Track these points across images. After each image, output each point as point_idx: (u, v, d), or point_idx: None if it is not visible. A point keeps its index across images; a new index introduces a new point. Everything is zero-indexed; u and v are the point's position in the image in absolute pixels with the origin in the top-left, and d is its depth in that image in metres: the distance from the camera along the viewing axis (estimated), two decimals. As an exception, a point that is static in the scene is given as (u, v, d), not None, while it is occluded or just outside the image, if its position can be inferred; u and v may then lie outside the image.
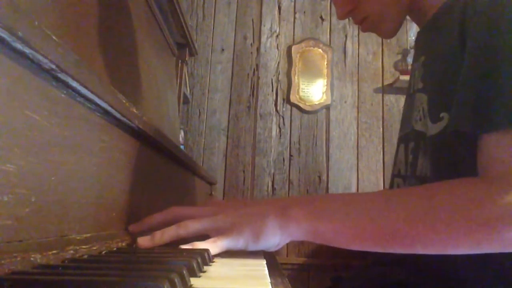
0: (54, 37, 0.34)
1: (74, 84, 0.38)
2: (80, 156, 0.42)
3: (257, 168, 2.16)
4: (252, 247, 0.51)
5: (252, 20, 2.31)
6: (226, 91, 2.24)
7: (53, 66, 0.34)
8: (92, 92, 0.41)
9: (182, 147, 1.82)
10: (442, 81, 0.59)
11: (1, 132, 0.30)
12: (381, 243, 0.50)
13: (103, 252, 0.44)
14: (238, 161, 2.17)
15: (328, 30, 2.33)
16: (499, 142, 0.47)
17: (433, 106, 0.60)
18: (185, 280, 0.31)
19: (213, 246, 0.49)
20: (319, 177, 2.18)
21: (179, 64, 1.61)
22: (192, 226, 0.52)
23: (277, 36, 2.30)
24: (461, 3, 0.56)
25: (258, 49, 2.28)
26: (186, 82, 1.95)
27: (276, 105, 2.23)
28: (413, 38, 2.00)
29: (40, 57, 0.33)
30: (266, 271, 0.40)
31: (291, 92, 2.23)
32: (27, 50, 0.31)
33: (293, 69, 2.25)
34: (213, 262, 0.46)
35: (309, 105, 2.23)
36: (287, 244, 0.53)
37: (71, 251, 0.39)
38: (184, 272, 0.31)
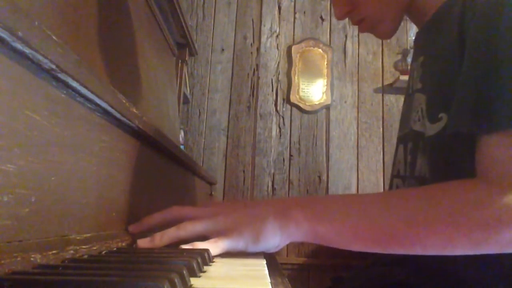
0: (54, 37, 0.34)
1: (74, 84, 0.38)
2: (80, 156, 0.42)
3: (257, 168, 2.16)
4: (252, 248, 0.51)
5: (252, 20, 2.31)
6: (226, 91, 2.24)
7: (53, 66, 0.34)
8: (92, 92, 0.41)
9: (182, 147, 1.82)
10: (441, 82, 0.59)
11: (1, 132, 0.30)
12: (381, 244, 0.50)
13: (103, 252, 0.44)
14: (238, 161, 2.17)
15: (328, 30, 2.33)
16: (499, 143, 0.47)
17: (431, 107, 0.60)
18: (185, 280, 0.31)
19: (213, 246, 0.49)
20: (319, 177, 2.18)
21: (179, 64, 1.61)
22: (192, 228, 0.52)
23: (277, 36, 2.30)
24: (460, 4, 0.56)
25: (258, 49, 2.28)
26: (186, 82, 1.95)
27: (276, 105, 2.23)
28: (413, 38, 2.00)
29: (40, 57, 0.33)
30: (266, 271, 0.40)
31: (291, 92, 2.23)
32: (27, 50, 0.31)
33: (293, 69, 2.25)
34: (213, 262, 0.46)
35: (309, 105, 2.23)
36: (287, 244, 0.53)
37: (71, 251, 0.39)
38: (184, 272, 0.31)
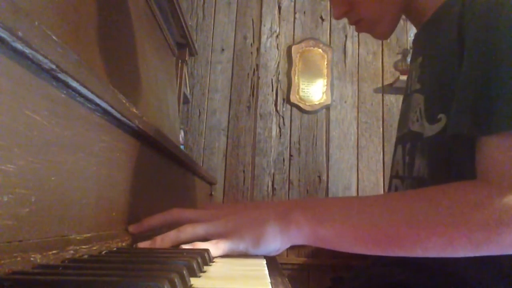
0: (54, 37, 0.34)
1: (74, 84, 0.38)
2: (80, 156, 0.42)
3: (257, 168, 2.16)
4: (253, 251, 0.51)
5: (252, 20, 2.31)
6: (226, 91, 2.24)
7: (53, 66, 0.34)
8: (92, 92, 0.41)
9: (182, 147, 1.82)
10: (440, 82, 0.59)
11: (1, 132, 0.30)
12: (381, 246, 0.50)
13: (103, 252, 0.44)
14: (238, 161, 2.17)
15: (328, 30, 2.33)
16: (499, 144, 0.47)
17: (430, 107, 0.60)
18: (185, 280, 0.31)
19: (214, 248, 0.49)
20: (319, 177, 2.18)
21: (179, 64, 1.61)
22: (193, 231, 0.52)
23: (277, 36, 2.30)
24: (459, 4, 0.56)
25: (258, 49, 2.28)
26: (186, 82, 1.95)
27: (276, 105, 2.23)
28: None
29: (40, 57, 0.33)
30: (266, 271, 0.40)
31: (291, 92, 2.23)
32: (27, 50, 0.31)
33: (293, 69, 2.25)
34: (213, 262, 0.46)
35: (309, 105, 2.23)
36: (288, 247, 0.53)
37: (71, 251, 0.39)
38: (184, 272, 0.31)
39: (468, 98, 0.50)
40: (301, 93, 2.24)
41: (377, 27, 0.71)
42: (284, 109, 2.23)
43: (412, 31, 2.23)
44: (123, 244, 0.52)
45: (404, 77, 2.12)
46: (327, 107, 2.25)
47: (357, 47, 2.32)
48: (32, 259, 0.33)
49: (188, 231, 0.52)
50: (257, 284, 0.34)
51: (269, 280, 0.36)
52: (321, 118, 2.24)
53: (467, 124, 0.49)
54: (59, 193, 0.38)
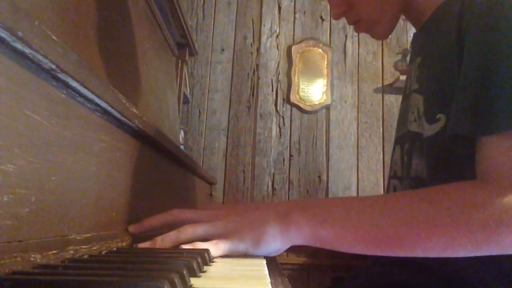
0: (54, 37, 0.34)
1: (74, 84, 0.38)
2: (80, 156, 0.42)
3: (257, 168, 2.16)
4: (253, 252, 0.51)
5: (252, 20, 2.31)
6: (226, 91, 2.24)
7: (53, 66, 0.34)
8: (92, 92, 0.41)
9: (182, 147, 1.82)
10: (439, 82, 0.59)
11: (1, 132, 0.30)
12: (382, 247, 0.50)
13: (103, 252, 0.44)
14: (238, 161, 2.17)
15: (328, 30, 2.33)
16: (499, 144, 0.47)
17: (429, 107, 0.60)
18: (185, 280, 0.31)
19: (214, 248, 0.49)
20: (319, 177, 2.18)
21: (179, 64, 1.61)
22: (193, 232, 0.52)
23: (277, 36, 2.30)
24: (458, 4, 0.56)
25: (258, 49, 2.28)
26: (186, 82, 1.95)
27: (276, 105, 2.23)
28: (413, 38, 2.00)
29: (40, 57, 0.33)
30: (266, 271, 0.40)
31: (291, 92, 2.23)
32: (27, 50, 0.31)
33: (293, 69, 2.25)
34: (213, 262, 0.46)
35: (309, 105, 2.23)
36: (288, 247, 0.53)
37: (71, 251, 0.39)
38: (184, 272, 0.31)
39: (468, 98, 0.50)
40: (301, 93, 2.24)
41: (376, 27, 0.71)
42: (284, 109, 2.23)
43: (412, 31, 2.22)
44: (123, 244, 0.52)
45: (404, 77, 2.12)
46: (327, 107, 2.25)
47: (357, 47, 2.32)
48: (32, 259, 0.33)
49: (188, 231, 0.52)
50: (257, 284, 0.34)
51: (269, 280, 0.36)
52: (321, 118, 2.24)
53: (467, 124, 0.49)
54: (59, 193, 0.38)
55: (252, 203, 2.08)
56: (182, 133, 1.93)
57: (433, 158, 0.59)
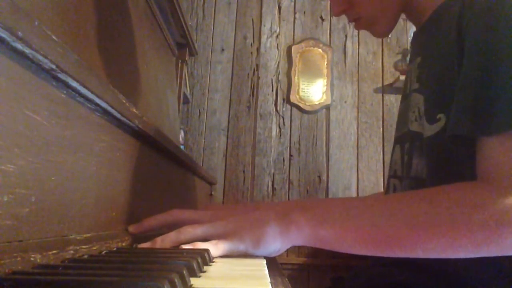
0: (54, 37, 0.34)
1: (74, 84, 0.38)
2: (80, 156, 0.42)
3: (257, 168, 2.16)
4: (252, 252, 0.51)
5: (252, 20, 2.31)
6: (226, 91, 2.24)
7: (53, 66, 0.34)
8: (92, 92, 0.41)
9: (182, 147, 1.82)
10: (439, 82, 0.59)
11: (1, 132, 0.30)
12: (382, 247, 0.50)
13: (103, 252, 0.44)
14: (238, 161, 2.17)
15: (328, 30, 2.33)
16: (500, 145, 0.47)
17: (429, 107, 0.60)
18: (185, 280, 0.31)
19: (214, 248, 0.49)
20: (319, 177, 2.18)
21: (179, 64, 1.61)
22: (193, 232, 0.52)
23: (277, 36, 2.30)
24: (458, 4, 0.56)
25: (258, 49, 2.28)
26: (186, 82, 1.95)
27: (276, 105, 2.23)
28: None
29: (40, 57, 0.33)
30: (266, 271, 0.40)
31: (291, 92, 2.23)
32: (27, 50, 0.31)
33: (293, 69, 2.25)
34: (213, 262, 0.46)
35: (309, 105, 2.23)
36: (288, 248, 0.53)
37: (71, 251, 0.39)
38: (184, 272, 0.31)
39: (468, 99, 0.50)
40: (301, 93, 2.23)
41: (376, 26, 0.71)
42: (284, 109, 2.23)
43: (412, 30, 2.22)
44: (123, 244, 0.52)
45: (404, 77, 2.12)
46: (327, 107, 2.25)
47: (357, 47, 2.32)
48: (32, 259, 0.33)
49: (188, 232, 0.52)
50: (257, 284, 0.34)
51: (269, 280, 0.36)
52: (321, 118, 2.24)
53: (467, 125, 0.49)
54: (59, 193, 0.38)
55: (252, 203, 2.08)
56: (182, 133, 1.93)
57: (433, 158, 0.59)
